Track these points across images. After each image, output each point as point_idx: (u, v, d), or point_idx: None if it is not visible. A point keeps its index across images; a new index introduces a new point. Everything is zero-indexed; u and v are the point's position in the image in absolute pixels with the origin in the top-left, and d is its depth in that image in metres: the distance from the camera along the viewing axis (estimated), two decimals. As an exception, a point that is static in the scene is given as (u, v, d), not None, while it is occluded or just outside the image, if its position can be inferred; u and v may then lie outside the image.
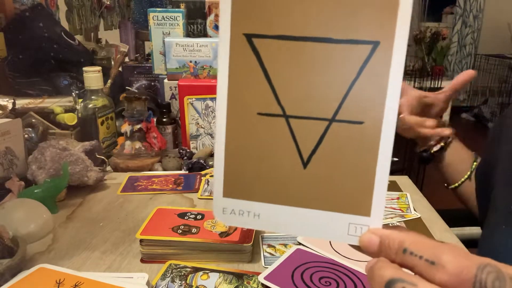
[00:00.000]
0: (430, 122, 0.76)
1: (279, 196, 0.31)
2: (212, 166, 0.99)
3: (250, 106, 0.30)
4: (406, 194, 0.86)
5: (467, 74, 0.77)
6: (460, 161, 0.82)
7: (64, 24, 1.92)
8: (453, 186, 0.84)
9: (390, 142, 0.29)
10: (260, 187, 0.31)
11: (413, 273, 0.27)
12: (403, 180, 0.94)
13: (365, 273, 0.28)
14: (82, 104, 1.03)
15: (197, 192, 0.87)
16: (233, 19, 0.30)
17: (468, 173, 0.81)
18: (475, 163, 0.81)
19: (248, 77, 0.30)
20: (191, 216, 0.69)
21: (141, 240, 0.63)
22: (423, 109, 0.78)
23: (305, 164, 0.30)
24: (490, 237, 0.65)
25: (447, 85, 0.80)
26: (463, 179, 0.81)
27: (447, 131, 0.78)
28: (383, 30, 0.28)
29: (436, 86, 3.00)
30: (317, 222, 0.31)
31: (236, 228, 0.65)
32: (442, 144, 0.81)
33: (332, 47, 0.29)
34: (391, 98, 0.28)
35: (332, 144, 0.30)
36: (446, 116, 3.05)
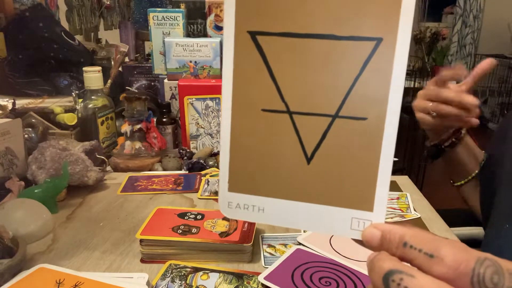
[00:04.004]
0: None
1: (283, 191, 0.32)
2: (212, 166, 0.99)
3: (255, 102, 0.31)
4: (406, 194, 0.86)
5: (488, 63, 0.72)
6: (469, 159, 0.80)
7: (64, 24, 1.92)
8: (458, 183, 0.83)
9: (393, 138, 0.29)
10: (265, 182, 0.32)
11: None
12: (403, 180, 0.94)
13: (365, 272, 0.29)
14: (82, 104, 1.03)
15: (197, 192, 0.87)
16: (237, 17, 0.30)
17: (476, 171, 0.80)
18: (483, 162, 0.79)
19: (252, 74, 0.31)
20: (191, 216, 0.69)
21: (141, 240, 0.63)
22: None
23: (308, 160, 0.31)
24: (495, 236, 0.65)
25: (468, 76, 0.74)
26: (470, 177, 0.80)
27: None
28: (386, 26, 0.28)
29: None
30: (320, 217, 0.31)
31: (236, 228, 0.65)
32: (453, 139, 0.79)
33: (335, 43, 0.29)
34: (394, 94, 0.29)
35: (335, 140, 0.30)
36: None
